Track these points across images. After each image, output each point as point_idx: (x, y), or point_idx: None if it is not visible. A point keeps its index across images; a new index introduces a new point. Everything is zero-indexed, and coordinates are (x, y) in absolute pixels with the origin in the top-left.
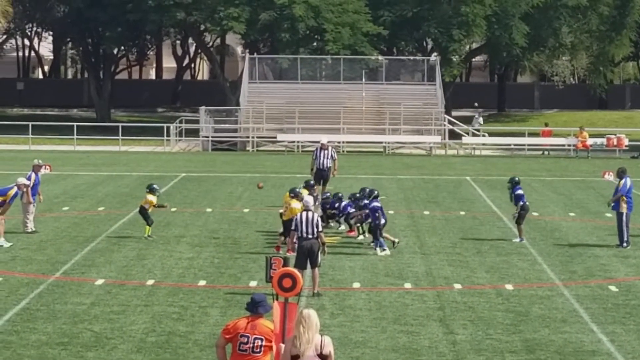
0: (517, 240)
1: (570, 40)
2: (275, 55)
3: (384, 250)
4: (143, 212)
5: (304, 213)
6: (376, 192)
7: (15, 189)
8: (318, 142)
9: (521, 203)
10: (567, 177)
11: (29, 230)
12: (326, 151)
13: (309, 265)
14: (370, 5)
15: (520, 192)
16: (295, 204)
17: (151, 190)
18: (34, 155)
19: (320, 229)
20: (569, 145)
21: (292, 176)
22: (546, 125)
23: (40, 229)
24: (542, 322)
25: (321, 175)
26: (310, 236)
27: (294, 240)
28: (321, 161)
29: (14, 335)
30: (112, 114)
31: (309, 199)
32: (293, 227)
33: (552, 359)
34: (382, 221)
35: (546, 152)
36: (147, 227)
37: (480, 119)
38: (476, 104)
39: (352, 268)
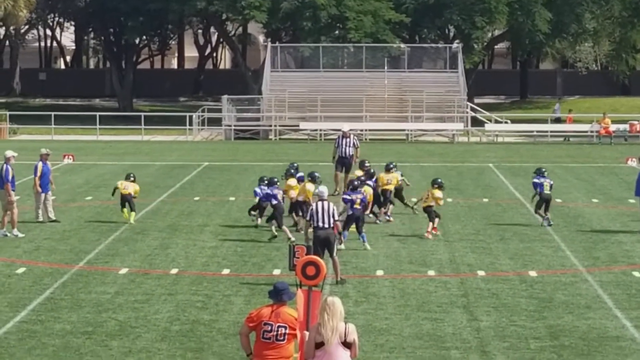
0: (542, 222)
1: (593, 26)
2: (297, 43)
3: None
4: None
5: (319, 203)
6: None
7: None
8: (340, 130)
9: (538, 190)
10: (590, 164)
11: (40, 220)
12: (348, 139)
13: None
14: None
15: (535, 180)
16: (310, 186)
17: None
18: (57, 145)
19: (337, 218)
20: (591, 132)
21: (315, 164)
22: (570, 111)
23: (63, 219)
24: (565, 309)
25: (343, 163)
26: (326, 226)
27: (310, 230)
28: (343, 149)
29: (38, 324)
30: (134, 104)
31: (324, 189)
32: (308, 218)
33: (576, 344)
34: (351, 212)
35: (568, 139)
36: (132, 213)
37: (558, 108)
38: (559, 99)
39: (375, 256)
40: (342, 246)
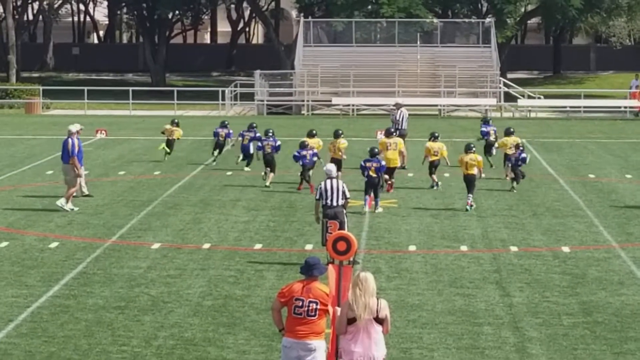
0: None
1: (627, 1)
2: (329, 18)
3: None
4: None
5: (329, 181)
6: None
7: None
8: (373, 106)
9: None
10: (623, 139)
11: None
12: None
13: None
14: None
15: (483, 129)
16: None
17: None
18: (90, 120)
19: (348, 195)
20: (625, 108)
21: (348, 139)
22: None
23: (96, 194)
24: (598, 285)
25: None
26: (334, 204)
27: (320, 209)
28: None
29: (71, 299)
30: (167, 79)
31: (332, 167)
32: (317, 197)
33: (610, 321)
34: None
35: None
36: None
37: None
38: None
39: (408, 231)
40: (367, 208)
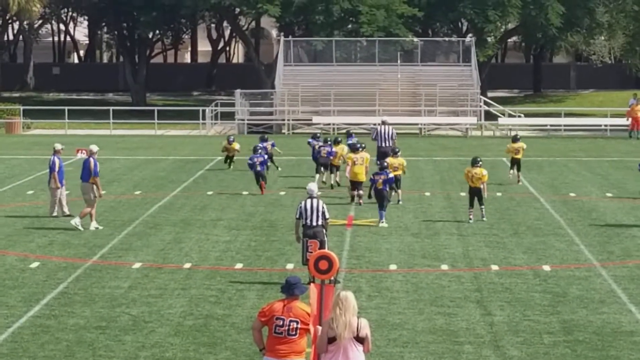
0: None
1: (607, 19)
2: (310, 37)
3: None
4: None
5: (309, 201)
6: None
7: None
8: (353, 124)
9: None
10: (603, 158)
11: (54, 214)
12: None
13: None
14: None
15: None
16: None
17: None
18: (70, 139)
19: (327, 216)
20: (605, 126)
21: None
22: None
23: (77, 213)
24: (580, 303)
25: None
26: (314, 224)
27: (300, 229)
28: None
29: (52, 319)
30: (147, 98)
31: (313, 186)
32: (297, 216)
33: (591, 339)
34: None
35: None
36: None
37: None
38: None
39: (388, 250)
40: (384, 224)
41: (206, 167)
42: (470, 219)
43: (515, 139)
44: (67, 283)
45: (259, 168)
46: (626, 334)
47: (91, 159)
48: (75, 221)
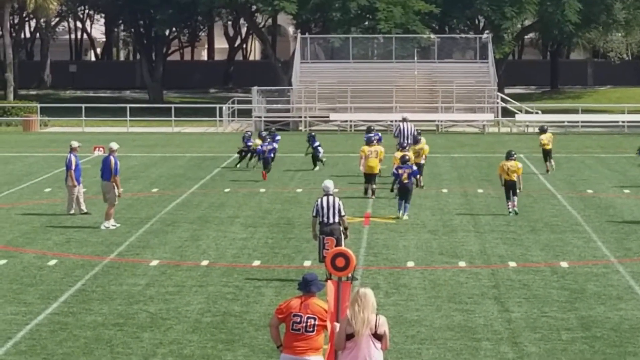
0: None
1: (624, 16)
2: (326, 34)
3: None
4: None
5: (325, 198)
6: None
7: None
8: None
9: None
10: (621, 154)
11: (71, 212)
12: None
13: None
14: None
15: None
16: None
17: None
18: (87, 137)
19: (343, 213)
20: (622, 122)
21: (345, 155)
22: None
23: (94, 211)
24: (597, 300)
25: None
26: (331, 221)
27: (317, 226)
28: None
29: (70, 316)
30: (164, 96)
31: (329, 184)
32: (314, 214)
33: (608, 336)
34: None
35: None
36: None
37: None
38: None
39: (406, 247)
40: (406, 217)
41: (223, 165)
42: (509, 211)
43: (542, 130)
44: (85, 280)
45: (267, 155)
46: None
47: (111, 157)
48: (105, 225)
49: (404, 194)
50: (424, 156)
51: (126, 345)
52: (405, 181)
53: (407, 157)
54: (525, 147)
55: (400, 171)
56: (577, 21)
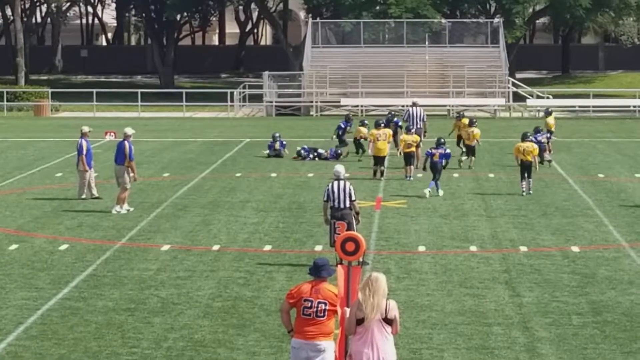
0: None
1: (636, 0)
2: (338, 19)
3: None
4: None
5: (336, 182)
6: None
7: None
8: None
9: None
10: (632, 139)
11: (83, 197)
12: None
13: None
14: None
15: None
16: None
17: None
18: (99, 122)
19: (353, 198)
20: (634, 107)
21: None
22: None
23: (106, 196)
24: (608, 284)
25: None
26: (342, 206)
27: (328, 211)
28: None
29: (81, 301)
30: (175, 81)
31: (340, 168)
32: (325, 199)
33: (619, 320)
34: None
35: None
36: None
37: None
38: None
39: (417, 231)
40: (441, 192)
41: (234, 149)
42: (523, 191)
43: (548, 113)
44: (96, 265)
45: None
46: None
47: (126, 142)
48: (116, 209)
49: (433, 171)
50: (475, 140)
51: (137, 330)
52: (436, 159)
53: (442, 140)
54: None
55: (433, 150)
56: (589, 5)
